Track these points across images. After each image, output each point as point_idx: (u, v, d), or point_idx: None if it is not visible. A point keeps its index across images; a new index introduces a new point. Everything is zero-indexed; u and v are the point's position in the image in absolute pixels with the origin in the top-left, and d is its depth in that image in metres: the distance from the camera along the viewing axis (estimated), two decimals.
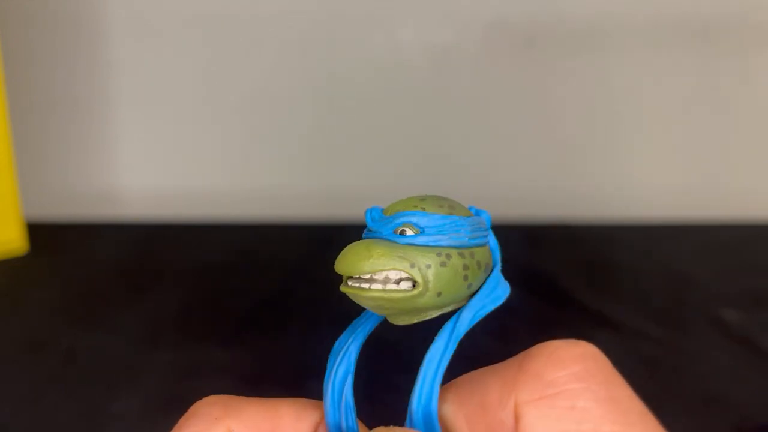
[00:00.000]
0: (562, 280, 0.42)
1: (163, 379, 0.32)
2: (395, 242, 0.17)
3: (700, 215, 0.52)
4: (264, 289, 0.40)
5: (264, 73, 0.50)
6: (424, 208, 0.17)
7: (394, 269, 0.16)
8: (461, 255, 0.17)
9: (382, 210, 0.18)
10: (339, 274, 0.17)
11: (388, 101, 0.51)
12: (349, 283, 0.17)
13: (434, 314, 0.17)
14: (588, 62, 0.50)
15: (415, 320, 0.17)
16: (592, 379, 0.16)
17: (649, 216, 0.51)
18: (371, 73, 0.50)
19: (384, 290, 0.16)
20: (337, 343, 0.18)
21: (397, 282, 0.17)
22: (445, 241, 0.17)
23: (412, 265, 0.17)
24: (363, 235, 0.18)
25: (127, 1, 0.48)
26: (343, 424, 0.18)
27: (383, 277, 0.16)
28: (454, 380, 0.18)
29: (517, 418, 0.16)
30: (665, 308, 0.39)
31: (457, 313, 0.18)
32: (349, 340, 0.19)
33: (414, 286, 0.17)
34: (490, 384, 0.17)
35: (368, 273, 0.16)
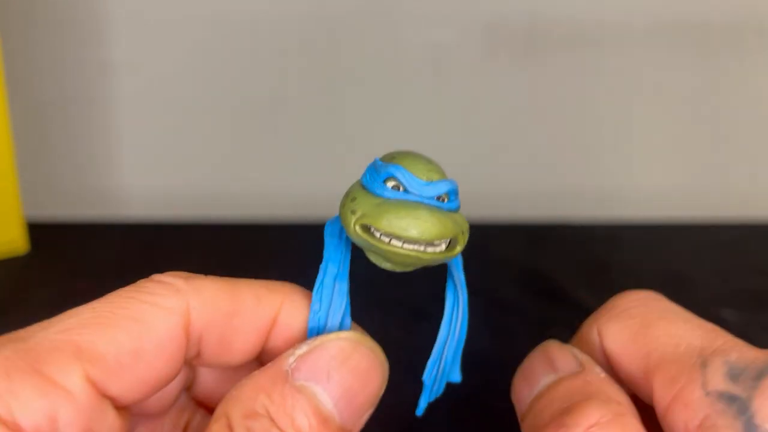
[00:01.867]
0: (562, 279, 0.42)
1: None
2: (442, 209, 0.18)
3: (700, 215, 0.52)
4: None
5: (264, 73, 0.50)
6: (444, 176, 0.19)
7: (446, 236, 0.17)
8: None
9: (405, 170, 0.18)
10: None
11: (387, 101, 0.51)
12: (404, 245, 0.17)
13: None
14: (588, 62, 0.50)
15: (411, 269, 0.18)
16: (651, 302, 0.20)
17: (649, 216, 0.51)
18: (371, 72, 0.50)
19: (434, 252, 0.17)
20: (317, 285, 0.18)
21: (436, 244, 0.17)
22: (458, 203, 0.19)
23: (462, 232, 0.18)
24: (397, 196, 0.18)
25: (127, 1, 0.48)
26: (329, 323, 0.18)
27: (432, 243, 0.17)
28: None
29: (600, 337, 0.20)
30: None
31: (449, 275, 0.20)
32: (331, 282, 0.19)
33: (448, 245, 0.17)
34: (583, 324, 0.21)
35: (440, 239, 0.17)
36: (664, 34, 0.50)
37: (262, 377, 0.16)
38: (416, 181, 0.18)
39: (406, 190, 0.18)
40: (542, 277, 0.42)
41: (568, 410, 0.17)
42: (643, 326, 0.19)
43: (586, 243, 0.47)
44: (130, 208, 0.52)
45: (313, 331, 0.18)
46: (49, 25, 0.48)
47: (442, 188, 0.18)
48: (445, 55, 0.50)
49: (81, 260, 0.44)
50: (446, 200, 0.18)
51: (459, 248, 0.17)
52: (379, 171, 0.18)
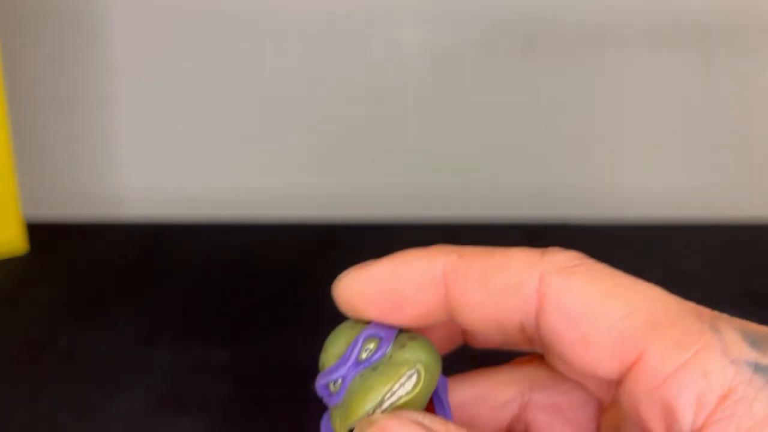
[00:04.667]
0: None
1: (163, 378, 0.32)
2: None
3: (700, 215, 0.52)
4: (264, 289, 0.40)
5: (264, 73, 0.50)
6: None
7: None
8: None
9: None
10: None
11: (387, 101, 0.51)
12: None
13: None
14: (588, 62, 0.50)
15: None
16: (591, 262, 0.18)
17: (649, 216, 0.51)
18: (371, 72, 0.50)
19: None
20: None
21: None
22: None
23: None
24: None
25: (127, 1, 0.48)
26: None
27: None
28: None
29: (541, 284, 0.17)
30: None
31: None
32: None
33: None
34: (511, 257, 0.18)
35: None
36: (664, 34, 0.50)
37: None
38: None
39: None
40: None
41: None
42: (616, 285, 0.17)
43: (586, 243, 0.47)
44: (130, 208, 0.52)
45: None
46: (49, 25, 0.48)
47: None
48: (445, 55, 0.50)
49: (81, 260, 0.44)
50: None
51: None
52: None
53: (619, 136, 0.52)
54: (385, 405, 0.17)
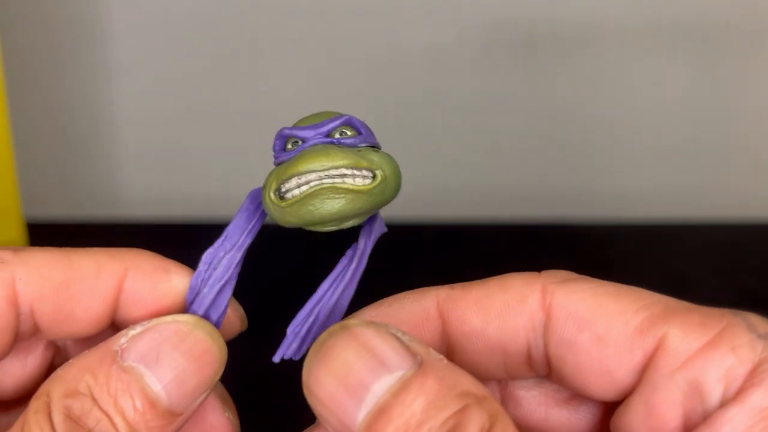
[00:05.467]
0: None
1: None
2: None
3: (699, 215, 0.52)
4: (264, 289, 0.40)
5: (263, 74, 0.50)
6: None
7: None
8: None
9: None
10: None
11: (387, 101, 0.51)
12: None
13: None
14: (587, 62, 0.50)
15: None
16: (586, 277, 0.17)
17: (649, 216, 0.51)
18: (370, 73, 0.50)
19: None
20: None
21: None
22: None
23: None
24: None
25: (127, 1, 0.48)
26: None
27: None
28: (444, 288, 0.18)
29: (545, 295, 0.17)
30: None
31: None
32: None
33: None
34: (508, 279, 0.18)
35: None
36: (664, 34, 0.50)
37: (90, 357, 0.16)
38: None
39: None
40: None
41: (435, 430, 0.13)
42: (619, 288, 0.17)
43: (586, 243, 0.47)
44: (130, 208, 0.52)
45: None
46: (49, 26, 0.48)
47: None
48: (445, 56, 0.50)
49: None
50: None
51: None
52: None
53: (619, 136, 0.52)
54: (326, 180, 0.16)
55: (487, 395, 0.14)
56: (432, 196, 0.52)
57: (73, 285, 0.17)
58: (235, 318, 0.19)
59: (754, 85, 0.51)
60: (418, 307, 0.18)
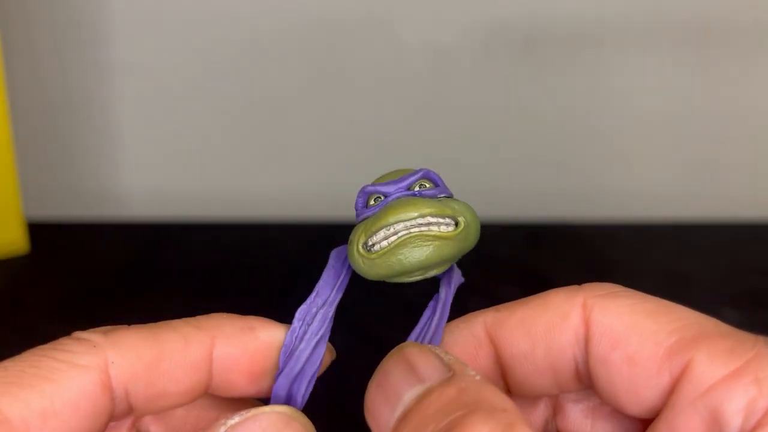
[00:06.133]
0: (562, 280, 0.42)
1: None
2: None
3: (699, 215, 0.52)
4: (264, 289, 0.40)
5: (264, 74, 0.50)
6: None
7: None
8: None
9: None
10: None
11: (387, 102, 0.51)
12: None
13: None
14: (587, 63, 0.50)
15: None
16: (628, 289, 0.17)
17: (649, 216, 0.51)
18: (371, 73, 0.50)
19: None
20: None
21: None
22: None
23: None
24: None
25: (128, 1, 0.48)
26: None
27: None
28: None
29: (585, 310, 0.17)
30: None
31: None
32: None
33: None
34: (550, 296, 0.18)
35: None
36: (664, 34, 0.50)
37: None
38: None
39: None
40: (542, 277, 0.42)
41: (446, 430, 0.14)
42: (659, 305, 0.17)
43: (586, 243, 0.47)
44: (130, 208, 0.52)
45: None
46: (50, 26, 0.48)
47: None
48: (445, 56, 0.50)
49: (81, 260, 0.44)
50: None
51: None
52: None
53: (619, 136, 0.52)
54: (414, 229, 0.17)
55: (508, 407, 0.14)
56: None
57: (162, 362, 0.17)
58: (327, 354, 0.19)
59: (754, 85, 0.51)
60: (469, 335, 0.18)
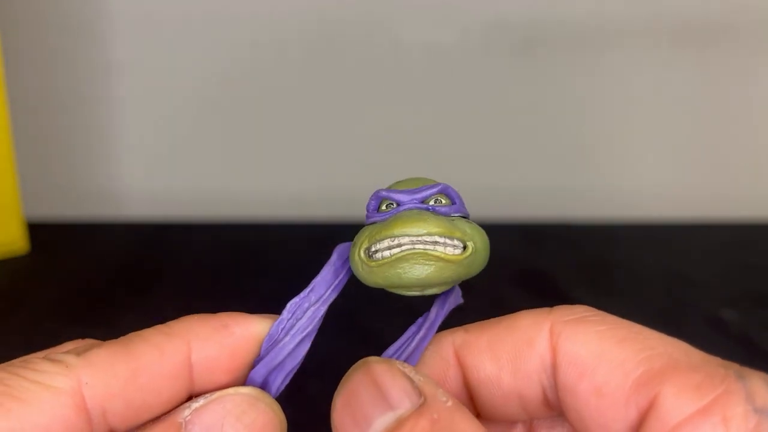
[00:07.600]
0: (562, 279, 0.42)
1: None
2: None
3: (700, 215, 0.52)
4: (265, 289, 0.40)
5: (264, 74, 0.50)
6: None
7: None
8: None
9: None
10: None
11: (387, 101, 0.51)
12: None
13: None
14: (587, 63, 0.50)
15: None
16: (602, 313, 0.17)
17: (649, 216, 0.51)
18: (371, 73, 0.50)
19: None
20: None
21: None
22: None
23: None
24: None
25: (128, 1, 0.48)
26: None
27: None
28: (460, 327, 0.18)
29: (552, 336, 0.16)
30: (665, 308, 0.39)
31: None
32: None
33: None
34: (518, 319, 0.17)
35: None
36: (664, 34, 0.50)
37: (155, 429, 0.16)
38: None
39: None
40: (542, 277, 0.42)
41: None
42: (629, 332, 0.16)
43: (586, 243, 0.47)
44: (130, 208, 0.52)
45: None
46: (49, 25, 0.48)
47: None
48: (445, 55, 0.50)
49: (81, 260, 0.44)
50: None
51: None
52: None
53: (619, 136, 0.52)
54: (418, 246, 0.17)
55: None
56: None
57: (140, 377, 0.17)
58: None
59: (754, 85, 0.51)
60: (437, 357, 0.18)
